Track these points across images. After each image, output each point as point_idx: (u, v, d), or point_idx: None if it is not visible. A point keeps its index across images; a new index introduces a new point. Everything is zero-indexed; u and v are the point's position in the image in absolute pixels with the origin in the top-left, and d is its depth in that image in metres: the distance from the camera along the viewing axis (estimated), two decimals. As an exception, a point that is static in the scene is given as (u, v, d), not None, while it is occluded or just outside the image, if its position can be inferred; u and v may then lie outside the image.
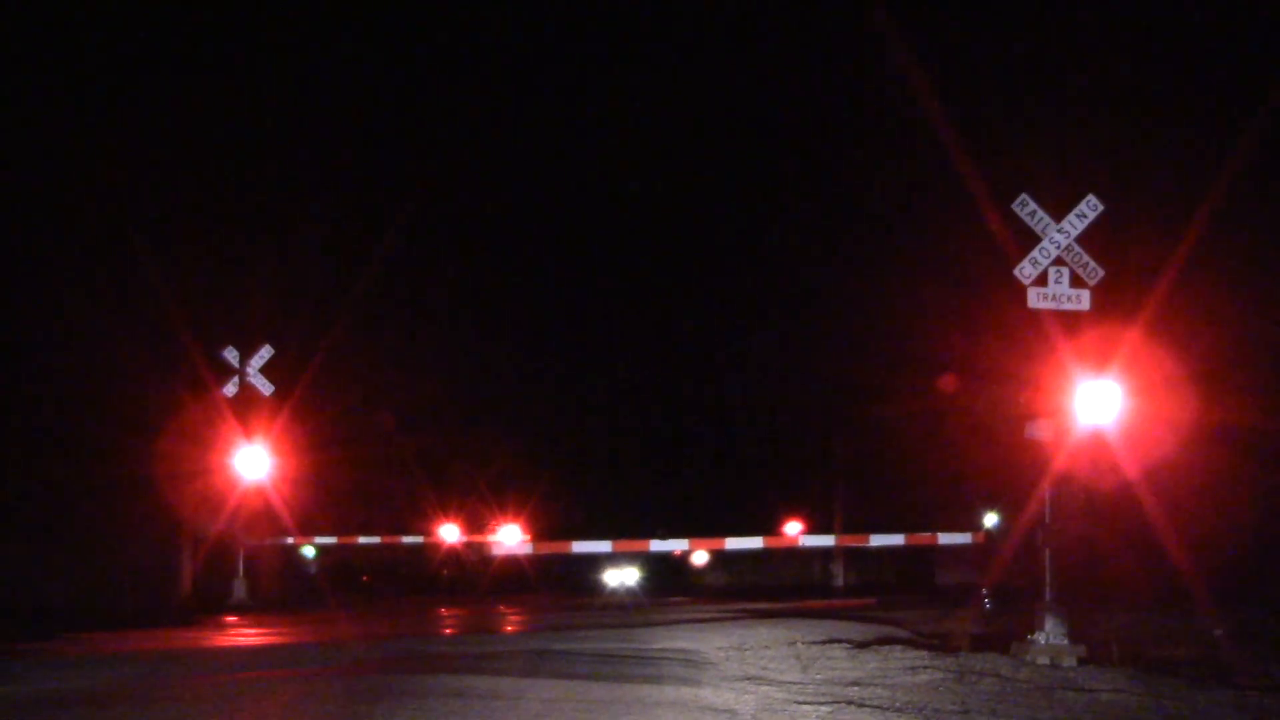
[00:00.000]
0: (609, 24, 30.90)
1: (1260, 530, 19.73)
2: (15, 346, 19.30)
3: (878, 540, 18.77)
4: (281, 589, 22.51)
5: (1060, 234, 11.51)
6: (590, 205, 35.86)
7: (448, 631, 15.48)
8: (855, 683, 9.16)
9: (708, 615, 17.26)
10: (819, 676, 9.53)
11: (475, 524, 28.14)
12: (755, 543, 16.87)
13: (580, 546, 18.59)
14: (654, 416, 37.42)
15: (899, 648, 11.46)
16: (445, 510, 30.04)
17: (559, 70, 32.48)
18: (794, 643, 11.94)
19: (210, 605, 19.67)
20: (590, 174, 34.87)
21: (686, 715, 7.43)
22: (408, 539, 25.52)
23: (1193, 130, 19.26)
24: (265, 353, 21.00)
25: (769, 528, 27.21)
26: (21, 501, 18.18)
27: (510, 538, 24.41)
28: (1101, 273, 11.49)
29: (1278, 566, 19.37)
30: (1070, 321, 11.57)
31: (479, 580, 28.73)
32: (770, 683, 9.13)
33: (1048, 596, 11.11)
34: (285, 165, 24.18)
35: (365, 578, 28.05)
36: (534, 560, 27.20)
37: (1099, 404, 11.50)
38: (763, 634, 12.91)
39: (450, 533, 26.67)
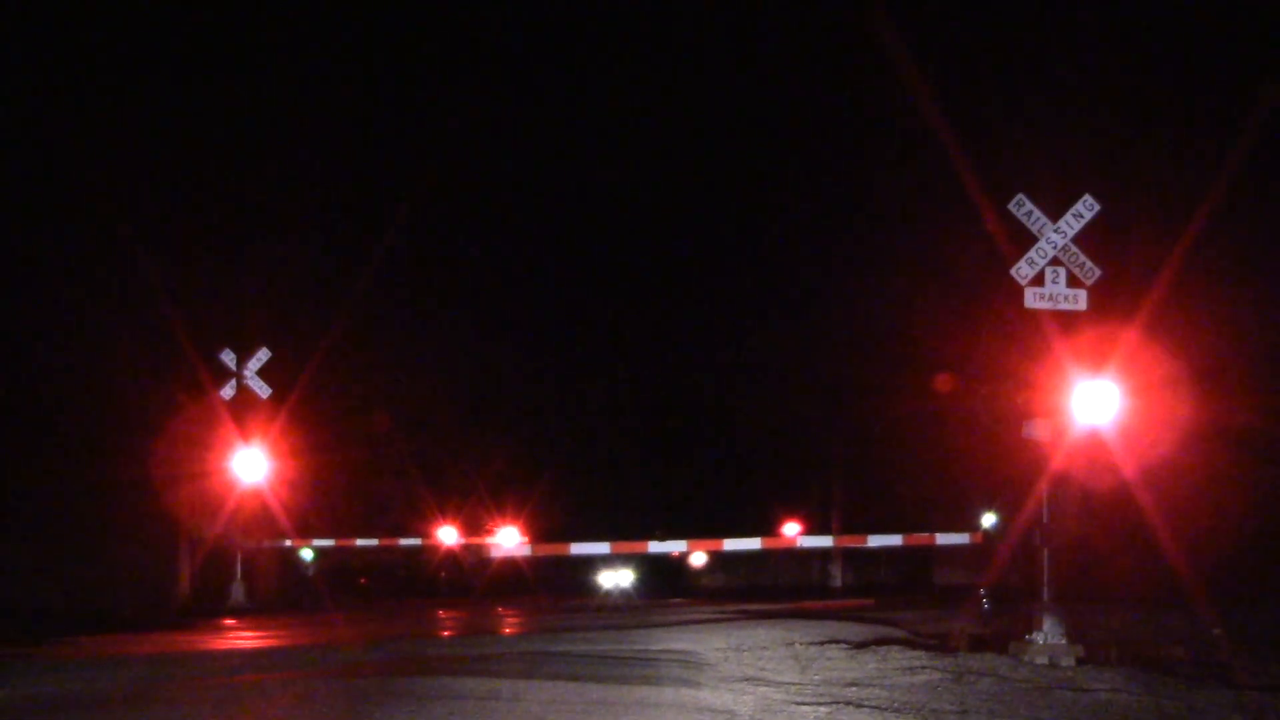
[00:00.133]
0: (609, 23, 30.91)
1: (1258, 529, 19.75)
2: (14, 348, 19.29)
3: (876, 541, 18.78)
4: (279, 591, 22.51)
5: (1057, 234, 11.52)
6: (589, 206, 35.86)
7: (446, 634, 15.46)
8: (853, 683, 9.16)
9: (706, 616, 17.25)
10: (817, 677, 9.53)
11: (473, 526, 28.13)
12: (753, 544, 16.87)
13: (579, 548, 18.59)
14: (652, 418, 37.40)
15: (897, 648, 11.45)
16: (443, 512, 30.03)
17: (558, 70, 32.49)
18: (792, 643, 11.94)
19: (208, 608, 19.66)
20: (589, 174, 34.88)
21: (685, 716, 7.43)
22: (406, 541, 25.51)
23: (1190, 130, 19.27)
24: (262, 355, 20.99)
25: (767, 529, 27.22)
26: (20, 504, 18.17)
27: (509, 539, 24.40)
28: (1098, 273, 11.50)
29: (1275, 565, 19.39)
30: (1067, 321, 11.58)
31: (477, 582, 28.71)
32: (769, 683, 9.13)
33: (1045, 596, 11.12)
34: (283, 166, 24.17)
35: (363, 580, 28.01)
36: (532, 562, 27.18)
37: (1096, 404, 11.50)
38: (761, 635, 12.90)
39: (448, 535, 26.65)
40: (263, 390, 20.92)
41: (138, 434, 19.43)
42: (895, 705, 8.11)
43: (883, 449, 29.49)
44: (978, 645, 11.75)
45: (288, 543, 23.33)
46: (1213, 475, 18.44)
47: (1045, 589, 11.17)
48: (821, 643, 12.01)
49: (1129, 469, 12.52)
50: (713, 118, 32.09)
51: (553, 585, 29.26)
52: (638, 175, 34.12)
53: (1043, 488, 11.34)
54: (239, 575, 20.85)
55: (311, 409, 25.19)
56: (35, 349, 19.55)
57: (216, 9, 24.27)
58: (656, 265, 36.15)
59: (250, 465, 20.73)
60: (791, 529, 27.73)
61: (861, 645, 11.73)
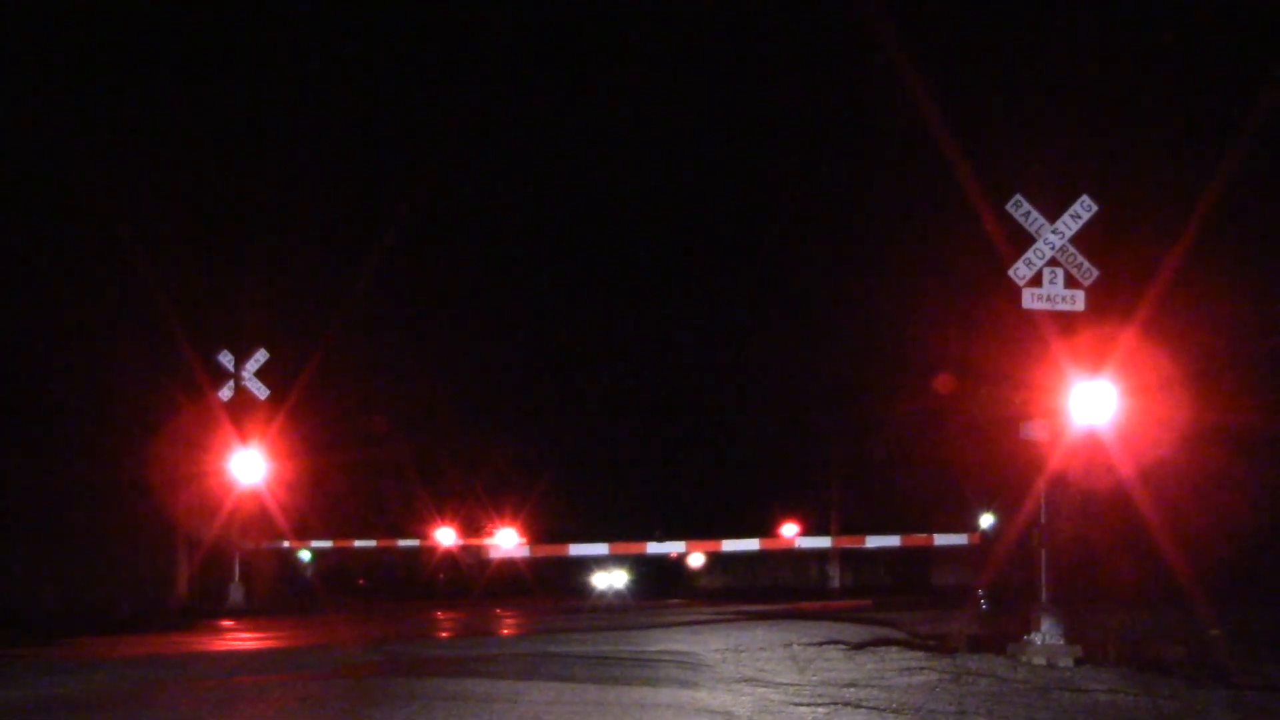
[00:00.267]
0: (608, 23, 30.91)
1: (1256, 530, 19.76)
2: (13, 348, 19.28)
3: (874, 542, 18.80)
4: (278, 593, 22.50)
5: (1054, 235, 11.52)
6: (588, 206, 35.86)
7: (444, 635, 15.46)
8: (852, 684, 9.16)
9: (704, 617, 17.25)
10: (815, 678, 9.53)
11: (472, 527, 28.13)
12: (752, 545, 16.87)
13: (577, 549, 18.59)
14: (651, 419, 37.42)
15: (895, 649, 11.46)
16: (442, 513, 30.03)
17: (558, 70, 32.49)
18: (790, 644, 11.94)
19: (206, 609, 19.66)
20: (588, 174, 34.88)
21: (683, 717, 7.43)
22: (404, 543, 25.51)
23: (1188, 130, 19.29)
24: (260, 356, 20.97)
25: (765, 530, 27.23)
26: (18, 505, 18.15)
27: (507, 541, 24.40)
28: (1096, 273, 11.51)
29: (1273, 565, 19.40)
30: (1065, 322, 11.59)
31: (476, 583, 28.71)
32: (767, 684, 9.13)
33: (1044, 597, 11.12)
34: (282, 166, 24.14)
35: (361, 581, 28.03)
36: (530, 563, 27.18)
37: (1094, 404, 11.51)
38: (759, 636, 12.91)
39: (447, 536, 26.65)
40: (261, 391, 20.91)
41: (136, 435, 19.42)
42: (893, 706, 8.11)
43: (881, 450, 29.52)
44: (976, 646, 11.75)
45: (286, 544, 23.33)
46: (1210, 475, 18.46)
47: (1043, 589, 11.17)
48: (820, 644, 12.01)
49: (1127, 469, 12.53)
50: (712, 119, 32.08)
51: (549, 586, 29.27)
52: (637, 175, 34.14)
53: (1040, 488, 11.35)
54: (237, 576, 20.85)
55: (310, 410, 25.18)
56: (34, 349, 19.53)
57: (216, 8, 24.28)
58: (655, 266, 36.18)
59: (248, 466, 20.73)
60: (790, 530, 27.75)
61: (859, 646, 11.73)
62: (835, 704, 8.16)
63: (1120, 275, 12.45)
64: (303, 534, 24.23)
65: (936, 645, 12.26)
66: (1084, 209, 11.57)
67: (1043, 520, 11.30)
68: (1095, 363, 11.52)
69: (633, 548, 20.20)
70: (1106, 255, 11.60)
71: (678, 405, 36.85)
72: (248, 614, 19.78)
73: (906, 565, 29.92)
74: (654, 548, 21.20)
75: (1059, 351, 11.55)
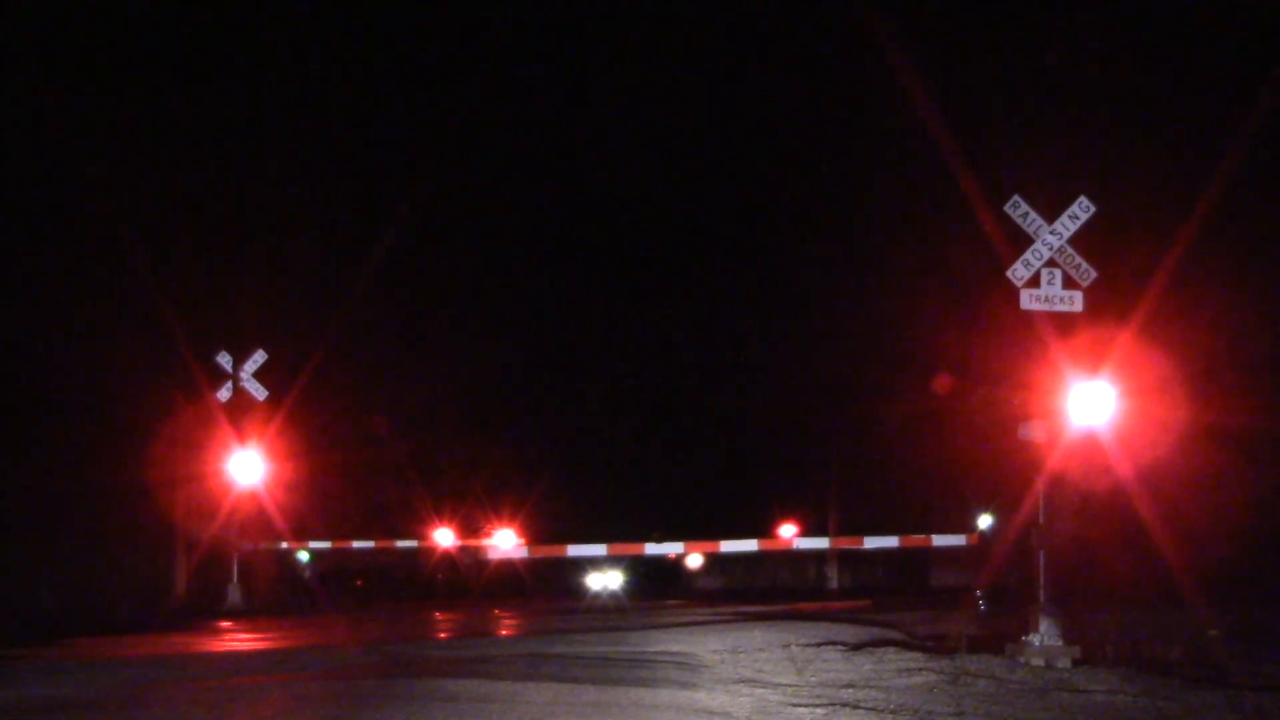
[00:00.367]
0: (608, 22, 30.91)
1: (1255, 530, 19.76)
2: (10, 349, 19.26)
3: (872, 543, 18.79)
4: (276, 593, 22.49)
5: (1053, 235, 11.52)
6: (587, 207, 35.87)
7: (442, 635, 15.46)
8: (850, 685, 9.16)
9: (702, 618, 17.25)
10: (814, 679, 9.53)
11: (470, 528, 28.12)
12: (750, 545, 16.87)
13: (575, 550, 18.59)
14: (649, 420, 37.43)
15: (893, 650, 11.46)
16: (440, 514, 30.01)
17: (559, 70, 32.51)
18: (788, 645, 11.94)
19: (205, 610, 19.65)
20: (587, 175, 34.90)
21: (682, 718, 7.43)
22: (402, 543, 25.50)
23: (1187, 131, 19.30)
24: (259, 357, 20.95)
25: (764, 530, 27.23)
26: (17, 506, 18.14)
27: (505, 541, 24.40)
28: (1094, 274, 11.51)
29: (1271, 566, 19.40)
30: (1063, 323, 11.59)
31: (474, 584, 28.70)
32: (765, 685, 9.13)
33: (1042, 598, 11.12)
34: (281, 166, 24.10)
35: (359, 582, 28.01)
36: (527, 564, 27.18)
37: (1093, 405, 11.51)
38: (757, 637, 12.91)
39: (445, 537, 26.64)
40: (259, 392, 20.90)
41: (135, 436, 19.42)
42: (891, 707, 8.11)
43: (879, 450, 29.50)
44: (974, 647, 11.74)
45: (284, 545, 23.32)
46: (1209, 476, 18.46)
47: (1041, 590, 11.17)
48: (818, 644, 12.01)
49: (1125, 470, 12.53)
50: (712, 118, 32.12)
51: (547, 587, 29.29)
52: (636, 175, 34.15)
53: (1039, 489, 11.35)
54: (236, 577, 20.85)
55: (309, 410, 25.17)
56: (32, 350, 19.52)
57: (215, 7, 24.24)
58: (654, 266, 36.19)
59: (247, 467, 20.73)
60: (788, 530, 27.75)
61: (858, 647, 11.73)
62: (833, 705, 8.16)
63: (1118, 276, 12.46)
64: (301, 535, 24.22)
65: (935, 646, 12.26)
66: (1082, 210, 11.57)
67: (1041, 521, 11.29)
68: (1093, 363, 11.52)
69: (631, 549, 20.20)
70: (1103, 256, 11.60)
71: (676, 406, 36.87)
72: (246, 615, 19.77)
73: (905, 566, 29.92)
74: (652, 548, 21.20)
75: (1057, 352, 11.55)
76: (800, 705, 8.13)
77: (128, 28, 21.95)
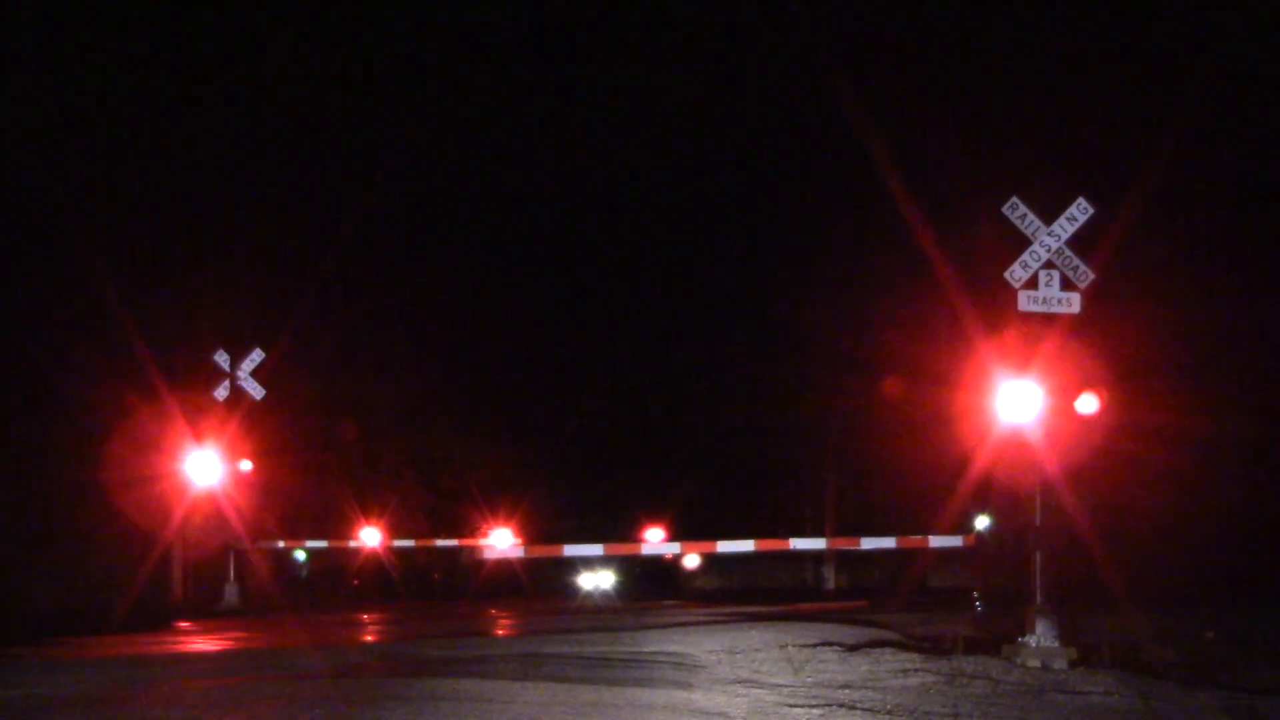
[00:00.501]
0: (591, 32, 31.00)
1: (1253, 532, 19.84)
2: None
3: (869, 543, 18.75)
4: (272, 593, 22.45)
5: (1051, 237, 11.53)
6: (579, 210, 35.90)
7: (439, 635, 15.44)
8: (846, 685, 9.16)
9: (699, 618, 17.25)
10: (810, 679, 9.53)
11: (467, 527, 28.12)
12: (747, 546, 16.81)
13: (572, 550, 18.53)
14: (646, 420, 37.45)
15: (890, 650, 11.46)
16: (437, 514, 30.03)
17: (551, 66, 32.54)
18: (785, 646, 11.93)
19: (201, 609, 19.62)
20: (579, 174, 34.94)
21: (678, 718, 7.43)
22: (399, 542, 25.46)
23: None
24: (256, 356, 20.84)
25: (760, 530, 27.24)
26: (10, 506, 18.10)
27: (502, 541, 24.37)
28: (1092, 275, 11.52)
29: (1267, 569, 19.45)
30: (1061, 324, 11.59)
31: (470, 583, 28.69)
32: (761, 686, 9.13)
33: (1038, 599, 11.12)
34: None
35: (355, 581, 27.99)
36: (524, 564, 27.17)
37: (1089, 405, 11.52)
38: (754, 637, 12.90)
39: (442, 536, 26.64)
40: (257, 391, 20.80)
41: (133, 435, 19.38)
42: (888, 708, 8.12)
43: (877, 452, 29.52)
44: (971, 648, 11.75)
45: (281, 544, 23.30)
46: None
47: (1037, 592, 11.17)
48: (814, 645, 12.01)
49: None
50: (712, 122, 32.19)
51: (541, 586, 29.31)
52: (630, 174, 34.19)
53: (1035, 489, 11.34)
54: (232, 576, 20.82)
55: (306, 411, 25.17)
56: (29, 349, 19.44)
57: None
58: (652, 267, 36.23)
59: (238, 468, 20.67)
60: (785, 531, 27.74)
61: (854, 648, 11.74)
62: (830, 705, 8.16)
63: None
64: (297, 534, 24.21)
65: (931, 647, 12.27)
66: (1080, 211, 11.58)
67: (1037, 522, 11.29)
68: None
69: (628, 548, 20.16)
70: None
71: (672, 404, 36.90)
72: (243, 614, 19.75)
73: (901, 567, 29.93)
74: (649, 548, 21.16)
75: (1050, 353, 11.55)
76: (797, 706, 8.14)
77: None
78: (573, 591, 30.52)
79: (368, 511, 26.06)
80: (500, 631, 16.07)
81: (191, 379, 20.68)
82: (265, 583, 22.17)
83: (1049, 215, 11.58)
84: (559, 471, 33.19)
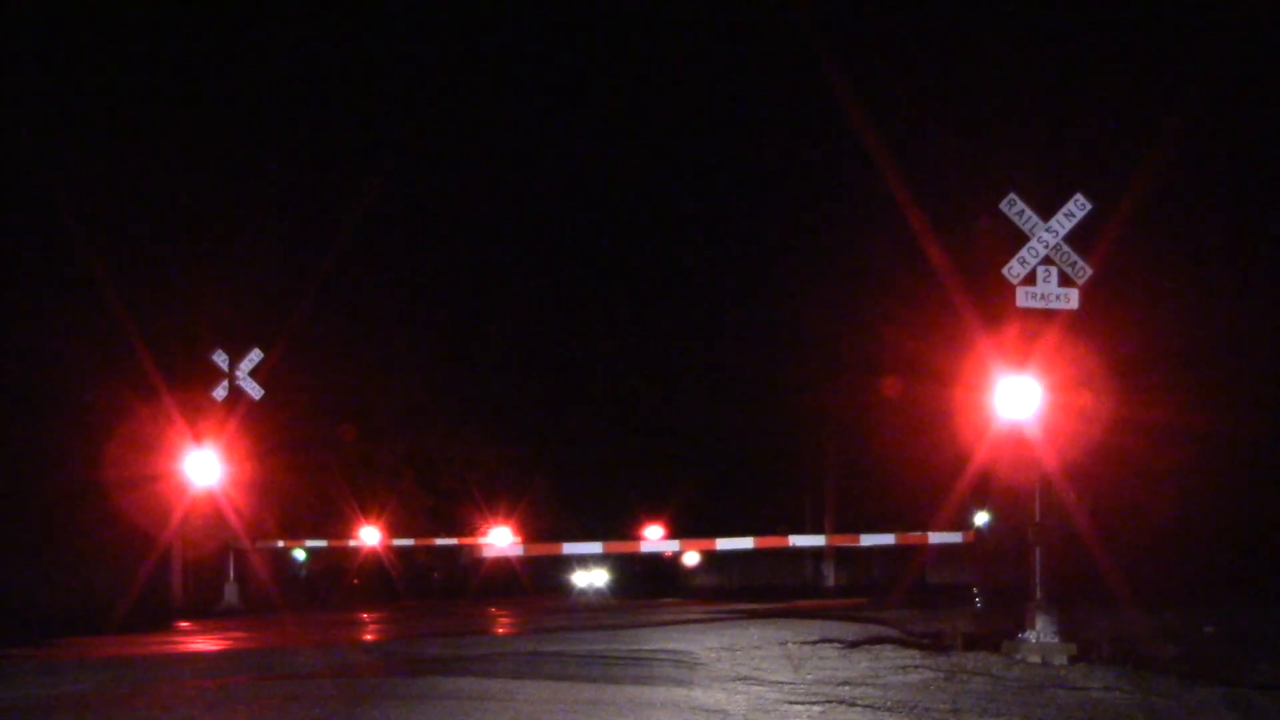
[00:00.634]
0: (591, 32, 30.99)
1: (1253, 528, 19.86)
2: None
3: (868, 540, 18.76)
4: (272, 592, 22.46)
5: (1049, 233, 11.53)
6: (577, 210, 35.90)
7: (439, 633, 15.44)
8: (846, 682, 9.17)
9: (699, 616, 17.26)
10: (810, 676, 9.53)
11: (466, 526, 28.14)
12: (746, 543, 16.81)
13: (571, 548, 18.53)
14: (645, 418, 37.44)
15: (890, 647, 11.47)
16: (436, 513, 30.04)
17: (551, 66, 32.53)
18: (785, 643, 11.94)
19: (201, 609, 19.62)
20: (577, 172, 34.93)
21: (678, 715, 7.43)
22: (399, 541, 25.48)
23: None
24: (255, 356, 20.81)
25: (760, 528, 27.25)
26: (10, 506, 18.10)
27: (501, 539, 24.39)
28: (1090, 271, 11.51)
29: (1267, 566, 19.47)
30: (1060, 320, 11.60)
31: (470, 582, 28.72)
32: (761, 683, 9.13)
33: (1038, 595, 11.12)
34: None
35: (355, 580, 28.01)
36: (523, 562, 27.19)
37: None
38: (754, 634, 12.91)
39: (440, 535, 26.65)
40: (255, 391, 20.76)
41: (134, 435, 19.38)
42: (888, 704, 8.12)
43: (876, 449, 29.54)
44: (971, 644, 11.75)
45: (280, 543, 23.30)
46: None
47: (1037, 588, 11.17)
48: (814, 642, 12.02)
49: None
50: (709, 121, 32.19)
51: (538, 584, 29.33)
52: (629, 173, 34.18)
53: (1034, 486, 11.34)
54: (232, 576, 20.82)
55: (306, 411, 25.15)
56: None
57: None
58: (651, 266, 36.23)
59: (236, 468, 20.65)
60: (784, 528, 27.76)
61: (854, 644, 11.74)
62: (830, 702, 8.17)
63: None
64: (296, 534, 24.20)
65: (931, 643, 12.27)
66: (1078, 207, 11.58)
67: (1037, 518, 11.29)
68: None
69: (627, 546, 20.17)
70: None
71: (671, 403, 36.90)
72: (242, 614, 19.74)
73: (901, 563, 29.96)
74: (648, 546, 21.17)
75: (1046, 350, 11.56)
76: (797, 703, 8.14)
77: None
78: (567, 589, 30.56)
79: (367, 511, 26.08)
80: (500, 630, 16.07)
81: (191, 379, 20.62)
82: (265, 582, 22.15)
83: (1047, 211, 11.58)
84: (558, 470, 33.22)
